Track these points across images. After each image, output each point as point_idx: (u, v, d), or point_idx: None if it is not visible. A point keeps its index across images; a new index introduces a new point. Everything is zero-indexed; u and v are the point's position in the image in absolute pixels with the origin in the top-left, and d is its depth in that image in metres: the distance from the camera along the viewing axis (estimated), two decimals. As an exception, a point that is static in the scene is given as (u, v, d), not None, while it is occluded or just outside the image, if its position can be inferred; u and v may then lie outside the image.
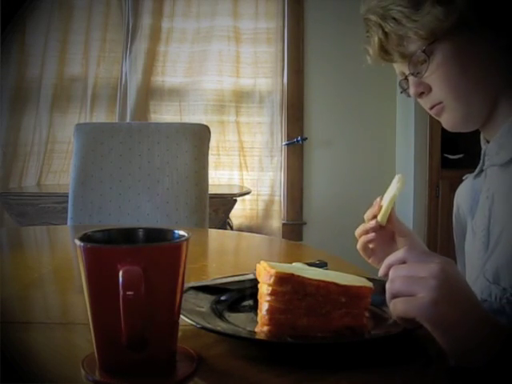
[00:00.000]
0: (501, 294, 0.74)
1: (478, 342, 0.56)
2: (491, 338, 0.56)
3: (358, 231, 0.96)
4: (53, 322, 0.74)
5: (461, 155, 3.02)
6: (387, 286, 0.60)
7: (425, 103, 0.86)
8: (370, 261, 0.97)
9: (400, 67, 0.86)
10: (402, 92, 0.89)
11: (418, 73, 0.82)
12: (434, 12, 0.77)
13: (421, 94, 0.84)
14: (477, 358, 0.56)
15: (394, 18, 0.80)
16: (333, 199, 3.19)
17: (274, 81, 3.12)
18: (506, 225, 0.76)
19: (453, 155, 3.03)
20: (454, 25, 0.77)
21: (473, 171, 0.91)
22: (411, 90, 0.85)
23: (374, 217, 0.92)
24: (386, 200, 0.91)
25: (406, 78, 0.86)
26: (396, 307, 0.58)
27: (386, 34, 0.82)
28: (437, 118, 0.86)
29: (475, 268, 0.83)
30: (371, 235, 0.94)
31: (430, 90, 0.83)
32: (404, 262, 0.62)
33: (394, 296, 0.59)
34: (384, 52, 0.84)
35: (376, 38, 0.83)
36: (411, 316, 0.56)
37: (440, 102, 0.83)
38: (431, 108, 0.85)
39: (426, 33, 0.78)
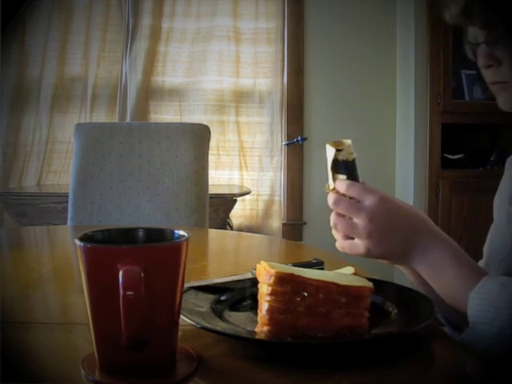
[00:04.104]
0: None
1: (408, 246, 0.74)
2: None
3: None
4: (53, 322, 0.74)
5: (461, 155, 3.01)
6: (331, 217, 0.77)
7: (488, 76, 0.83)
8: None
9: (475, 30, 0.82)
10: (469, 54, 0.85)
11: (493, 44, 0.79)
12: None
13: (489, 66, 0.81)
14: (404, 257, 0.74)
15: None
16: (333, 199, 3.18)
17: (274, 81, 3.12)
18: None
19: (453, 155, 3.03)
20: None
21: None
22: (480, 61, 0.82)
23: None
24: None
25: (476, 45, 0.82)
26: (342, 248, 0.77)
27: None
28: (494, 94, 0.84)
29: (502, 250, 0.85)
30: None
31: (499, 64, 0.80)
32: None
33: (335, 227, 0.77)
34: (466, 14, 0.80)
35: None
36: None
37: (504, 82, 0.81)
38: (493, 83, 0.82)
39: None
